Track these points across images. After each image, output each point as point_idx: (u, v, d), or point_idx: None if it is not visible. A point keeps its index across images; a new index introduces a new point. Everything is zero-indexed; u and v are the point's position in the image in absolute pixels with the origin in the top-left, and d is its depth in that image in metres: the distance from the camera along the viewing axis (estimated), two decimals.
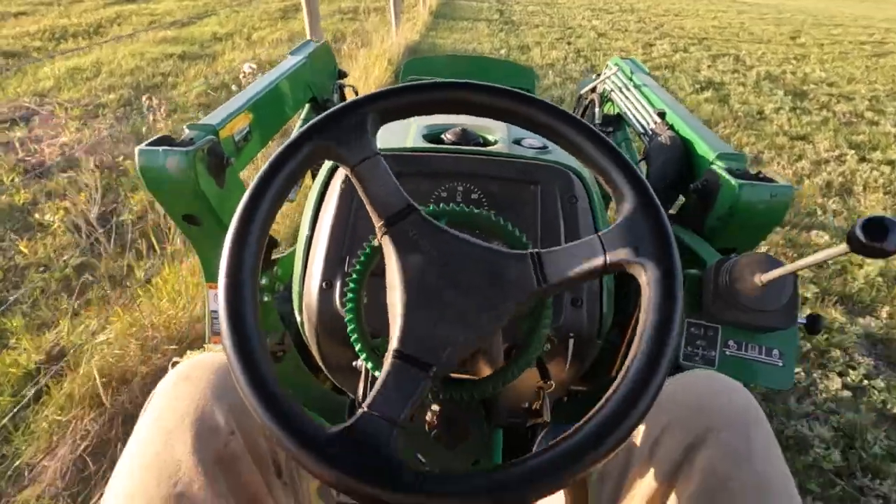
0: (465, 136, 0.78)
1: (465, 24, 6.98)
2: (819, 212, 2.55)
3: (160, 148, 0.75)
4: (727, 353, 0.71)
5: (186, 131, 0.82)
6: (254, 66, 1.89)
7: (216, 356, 0.56)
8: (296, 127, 1.41)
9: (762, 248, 2.00)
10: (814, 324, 0.67)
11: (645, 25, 7.71)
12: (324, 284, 0.65)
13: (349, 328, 0.53)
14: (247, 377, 0.37)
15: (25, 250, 1.95)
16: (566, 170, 0.71)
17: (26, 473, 1.23)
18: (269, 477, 0.52)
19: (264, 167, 0.45)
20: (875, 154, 3.26)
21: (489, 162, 0.72)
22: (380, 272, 0.47)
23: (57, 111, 3.29)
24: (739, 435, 0.51)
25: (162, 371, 1.39)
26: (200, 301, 1.61)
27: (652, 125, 1.12)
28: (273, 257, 0.89)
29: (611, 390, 0.38)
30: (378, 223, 0.45)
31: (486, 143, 0.79)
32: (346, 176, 0.61)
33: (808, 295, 1.95)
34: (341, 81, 1.50)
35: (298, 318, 0.71)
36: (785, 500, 0.48)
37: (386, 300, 0.44)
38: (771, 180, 0.81)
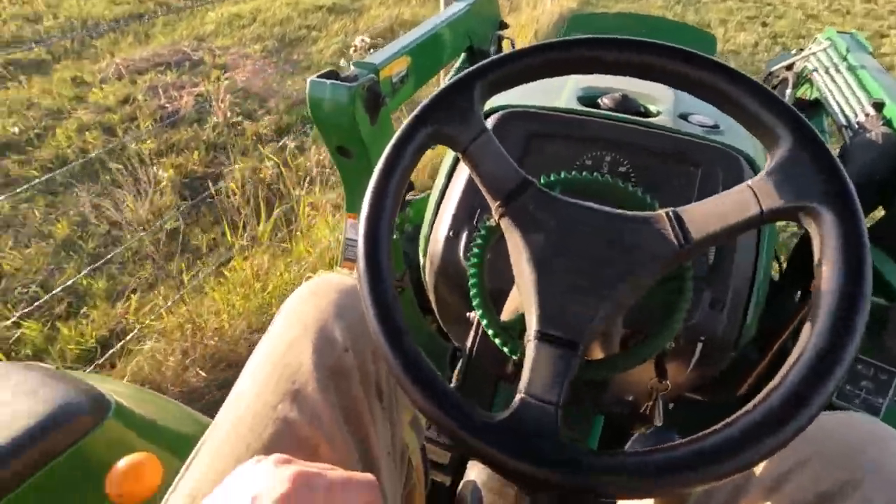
0: (625, 104, 0.73)
1: None
2: None
3: (328, 81, 0.81)
4: None
5: (352, 68, 0.86)
6: (367, 39, 1.71)
7: (343, 278, 0.60)
8: (448, 76, 1.44)
9: None
10: None
11: (877, 8, 6.04)
12: (451, 233, 0.66)
13: (470, 281, 0.52)
14: (378, 318, 0.40)
15: (132, 206, 1.99)
16: (737, 154, 0.64)
17: None
18: (371, 398, 0.54)
19: (410, 118, 0.46)
20: None
21: (647, 134, 0.67)
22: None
23: (205, 58, 3.41)
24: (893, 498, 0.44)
25: (195, 392, 1.27)
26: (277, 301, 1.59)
27: (861, 117, 0.97)
28: (406, 198, 0.93)
29: (789, 362, 0.33)
30: (494, 203, 0.44)
31: (648, 113, 0.74)
32: None
33: None
34: (500, 32, 1.44)
35: (421, 261, 0.73)
36: None
37: (509, 260, 0.44)
38: None
